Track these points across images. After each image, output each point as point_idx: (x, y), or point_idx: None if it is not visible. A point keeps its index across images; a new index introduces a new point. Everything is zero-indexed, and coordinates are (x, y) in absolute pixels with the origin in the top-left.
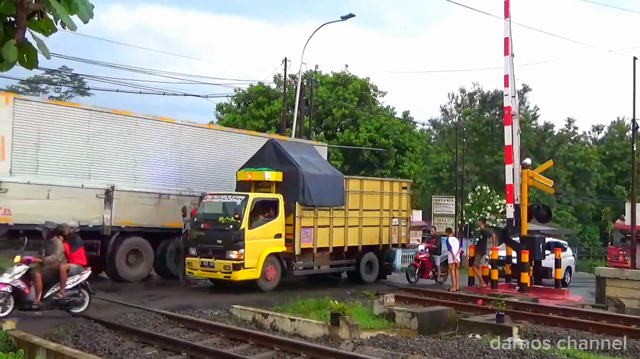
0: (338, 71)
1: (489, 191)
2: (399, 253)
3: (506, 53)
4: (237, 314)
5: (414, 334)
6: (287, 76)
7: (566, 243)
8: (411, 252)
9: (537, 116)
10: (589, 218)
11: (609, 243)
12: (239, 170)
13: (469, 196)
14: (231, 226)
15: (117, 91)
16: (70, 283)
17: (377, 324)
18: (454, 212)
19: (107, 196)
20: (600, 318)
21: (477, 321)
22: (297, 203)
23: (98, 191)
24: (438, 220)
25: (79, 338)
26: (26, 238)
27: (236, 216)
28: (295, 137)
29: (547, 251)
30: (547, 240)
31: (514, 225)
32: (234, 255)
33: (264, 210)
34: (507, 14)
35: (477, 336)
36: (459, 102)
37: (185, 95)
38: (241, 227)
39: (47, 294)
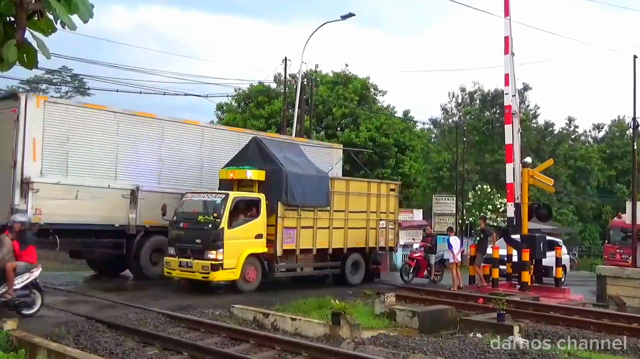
0: (338, 70)
1: (489, 190)
2: (400, 252)
3: (506, 52)
4: (238, 314)
5: (415, 333)
6: (287, 75)
7: (561, 241)
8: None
9: (538, 115)
10: (589, 216)
11: (606, 241)
12: (222, 168)
13: (470, 195)
14: (210, 226)
15: (117, 91)
16: (19, 282)
17: (378, 324)
18: (454, 211)
19: (132, 196)
20: (601, 316)
21: (478, 320)
22: (279, 203)
23: (124, 192)
24: (438, 219)
25: (80, 338)
26: (57, 237)
27: (215, 215)
28: (295, 136)
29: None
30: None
31: (514, 223)
32: (212, 255)
33: (246, 210)
34: (507, 13)
35: (478, 335)
36: (459, 101)
37: (185, 94)
38: (220, 227)
39: None
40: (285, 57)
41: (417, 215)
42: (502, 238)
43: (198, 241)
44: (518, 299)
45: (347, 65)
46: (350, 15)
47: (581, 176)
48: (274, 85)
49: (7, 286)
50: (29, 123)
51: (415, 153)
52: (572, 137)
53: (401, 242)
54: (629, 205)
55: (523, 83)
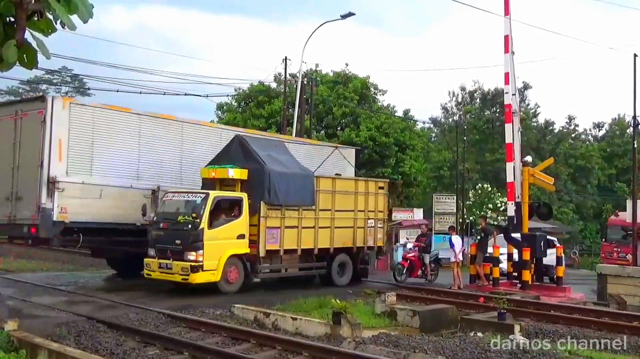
0: (338, 70)
1: (489, 189)
2: (400, 251)
3: (506, 51)
4: (238, 314)
5: (415, 332)
6: (288, 75)
7: (556, 239)
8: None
9: (538, 113)
10: (590, 215)
11: (603, 240)
12: (204, 167)
13: (470, 194)
14: (190, 226)
15: (117, 91)
16: None
17: (378, 323)
18: (455, 210)
19: (153, 196)
20: (602, 315)
21: (479, 319)
22: (262, 202)
23: (145, 192)
24: (439, 218)
25: (80, 338)
26: (81, 235)
27: (194, 215)
28: (295, 135)
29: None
30: None
31: (515, 222)
32: (192, 256)
33: (228, 210)
34: (507, 12)
35: (479, 334)
36: (460, 100)
37: (185, 94)
38: (200, 227)
39: None
40: (286, 57)
41: (418, 214)
42: (501, 234)
43: (178, 242)
44: (519, 298)
45: (347, 64)
46: (350, 14)
47: (581, 175)
48: (274, 85)
49: None
50: (55, 125)
51: (416, 152)
52: (573, 135)
53: (401, 241)
54: (629, 203)
55: (523, 82)
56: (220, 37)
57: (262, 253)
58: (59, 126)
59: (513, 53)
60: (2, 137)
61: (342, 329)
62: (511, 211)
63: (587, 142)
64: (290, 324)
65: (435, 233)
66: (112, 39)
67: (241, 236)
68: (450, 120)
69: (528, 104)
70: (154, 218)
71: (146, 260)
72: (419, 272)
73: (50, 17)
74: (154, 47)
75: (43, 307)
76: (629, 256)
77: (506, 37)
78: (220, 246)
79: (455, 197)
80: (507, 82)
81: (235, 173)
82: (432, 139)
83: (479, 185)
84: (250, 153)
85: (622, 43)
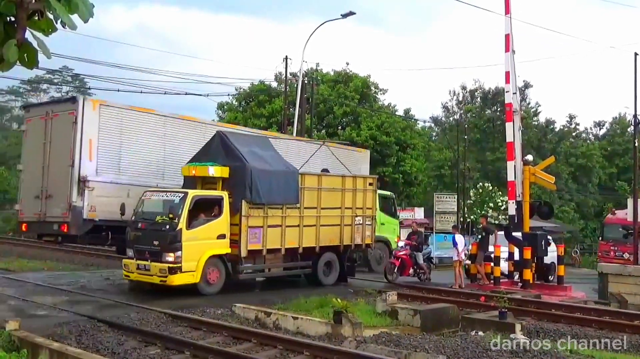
0: (339, 69)
1: (490, 188)
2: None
3: (507, 50)
4: (239, 313)
5: (416, 331)
6: (288, 74)
7: (550, 238)
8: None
9: (539, 112)
10: (590, 214)
11: (600, 238)
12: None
13: (471, 194)
14: (168, 227)
15: (118, 91)
16: None
17: (379, 322)
18: (455, 209)
19: None
20: (602, 314)
21: (480, 318)
22: (243, 201)
23: None
24: (440, 217)
25: (82, 338)
26: (109, 233)
27: (170, 215)
28: (296, 135)
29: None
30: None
31: (516, 221)
32: (170, 257)
33: (209, 209)
34: (507, 11)
35: (480, 333)
36: (460, 99)
37: (186, 94)
38: (178, 227)
39: None
40: (286, 56)
41: (419, 213)
42: (501, 232)
43: (156, 242)
44: (520, 297)
45: (347, 63)
46: (351, 13)
47: (582, 173)
48: (274, 84)
49: None
50: (86, 125)
51: (417, 151)
52: (573, 134)
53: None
54: (630, 202)
55: (524, 81)
56: (220, 36)
57: (243, 253)
58: (89, 127)
59: (514, 52)
60: (32, 137)
61: (343, 329)
62: (512, 210)
63: (588, 141)
64: (291, 324)
65: (436, 233)
66: (112, 38)
67: (222, 236)
68: (451, 119)
69: (529, 103)
70: (133, 218)
71: (124, 261)
72: (411, 271)
73: (51, 16)
74: (155, 46)
75: (44, 307)
76: (626, 255)
77: (507, 36)
78: (200, 247)
79: (456, 196)
80: (507, 81)
81: (215, 171)
82: (433, 138)
83: (480, 184)
84: (231, 150)
85: (623, 42)
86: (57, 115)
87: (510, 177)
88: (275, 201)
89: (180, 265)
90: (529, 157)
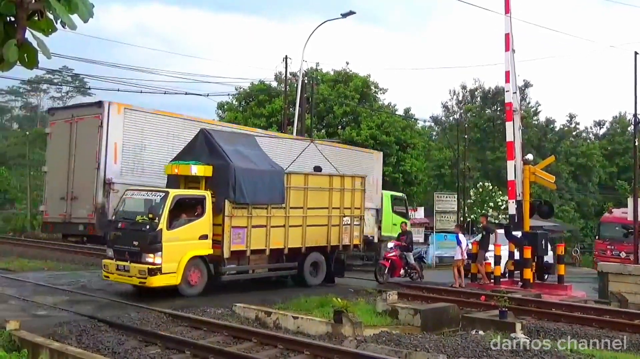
0: (339, 68)
1: (490, 187)
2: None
3: (507, 49)
4: (240, 313)
5: (417, 331)
6: (288, 74)
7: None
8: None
9: (539, 112)
10: (591, 213)
11: (596, 237)
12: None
13: (471, 193)
14: (148, 227)
15: (118, 90)
16: None
17: (380, 322)
18: (456, 209)
19: None
20: (603, 313)
21: (480, 317)
22: (226, 200)
23: None
24: (440, 216)
25: (82, 338)
26: None
27: (150, 215)
28: (296, 134)
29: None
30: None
31: (516, 221)
32: (149, 258)
33: (191, 209)
34: (507, 10)
35: (481, 332)
36: (460, 98)
37: (186, 94)
38: (158, 227)
39: None
40: (286, 56)
41: (419, 213)
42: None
43: (135, 243)
44: (520, 296)
45: (347, 63)
46: (351, 13)
47: (582, 173)
48: (274, 84)
49: None
50: (111, 129)
51: (417, 151)
52: (574, 133)
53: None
54: (630, 201)
55: (524, 81)
56: (220, 36)
57: (226, 254)
58: (114, 130)
59: (514, 51)
60: (57, 140)
61: (344, 328)
62: (512, 209)
63: (588, 140)
64: (292, 323)
65: (436, 232)
66: (112, 38)
67: (204, 237)
68: (451, 118)
69: (529, 102)
70: (113, 218)
71: (104, 261)
72: (402, 271)
73: (51, 16)
74: (154, 46)
75: (45, 306)
76: (623, 254)
77: (507, 35)
78: (181, 248)
79: (456, 196)
80: (507, 80)
81: (198, 169)
82: (433, 138)
83: (480, 183)
84: (215, 148)
85: (623, 41)
86: (83, 119)
87: (510, 177)
88: (259, 201)
89: (160, 266)
90: (529, 156)
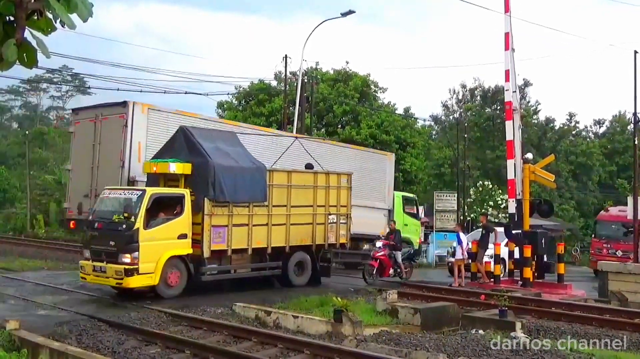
0: (338, 68)
1: (490, 186)
2: (432, 248)
3: (507, 48)
4: (240, 312)
5: (417, 330)
6: (288, 73)
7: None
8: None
9: (538, 111)
10: (590, 212)
11: (592, 236)
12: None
13: (471, 192)
14: (124, 226)
15: (117, 90)
16: None
17: (380, 321)
18: (455, 208)
19: None
20: (603, 312)
21: (480, 316)
22: (206, 199)
23: None
24: (440, 216)
25: (82, 337)
26: None
27: (126, 214)
28: (296, 133)
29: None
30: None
31: (516, 220)
32: (126, 258)
33: (171, 207)
34: (507, 9)
35: (480, 331)
36: (460, 97)
37: (186, 93)
38: (135, 227)
39: None
40: (286, 55)
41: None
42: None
43: (112, 243)
44: (520, 295)
45: (347, 62)
46: (350, 12)
47: (582, 171)
48: (274, 83)
49: None
50: (135, 128)
51: (417, 150)
52: (573, 132)
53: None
54: (630, 200)
55: (524, 79)
56: (220, 35)
57: (206, 254)
58: (138, 130)
59: (513, 50)
60: (81, 139)
61: (344, 327)
62: (512, 208)
63: (588, 139)
64: (292, 323)
65: (436, 231)
66: (112, 37)
67: (183, 236)
68: (451, 117)
69: (528, 101)
70: (90, 217)
71: (81, 262)
72: (391, 271)
73: (50, 16)
74: (154, 45)
75: (44, 306)
76: (619, 252)
77: (506, 35)
78: (159, 247)
79: (456, 195)
80: (507, 79)
81: (177, 167)
82: (433, 137)
83: (480, 182)
84: (194, 145)
85: (623, 40)
86: (107, 118)
87: (510, 175)
88: (241, 199)
89: (137, 266)
90: (529, 155)
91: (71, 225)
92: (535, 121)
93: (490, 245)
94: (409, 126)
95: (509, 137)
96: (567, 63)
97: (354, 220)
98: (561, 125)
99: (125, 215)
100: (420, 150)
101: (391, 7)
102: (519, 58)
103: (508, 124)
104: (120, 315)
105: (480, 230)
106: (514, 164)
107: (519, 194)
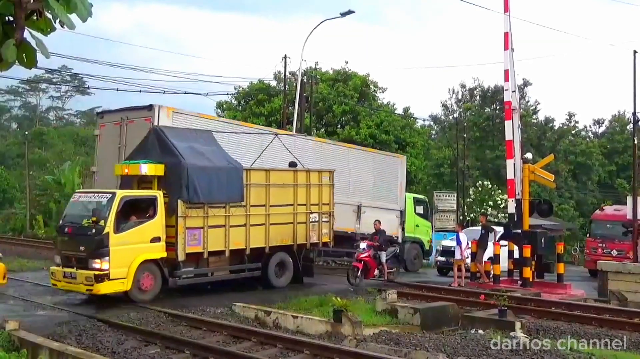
0: (338, 67)
1: (490, 186)
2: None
3: (506, 48)
4: (239, 312)
5: (416, 330)
6: (287, 73)
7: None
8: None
9: (538, 110)
10: (590, 212)
11: (587, 235)
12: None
13: (471, 192)
14: (93, 231)
15: (117, 90)
16: None
17: (379, 321)
18: (455, 208)
19: None
20: (602, 312)
21: (480, 316)
22: (179, 200)
23: None
24: (440, 215)
25: (82, 337)
26: None
27: (94, 219)
28: (295, 133)
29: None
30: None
31: (515, 219)
32: (96, 264)
33: (144, 210)
34: (506, 9)
35: (480, 331)
36: (460, 97)
37: (185, 93)
38: (105, 231)
39: None
40: (285, 55)
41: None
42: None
43: (82, 248)
44: (519, 295)
45: (347, 62)
46: (350, 12)
47: (582, 171)
48: (274, 83)
49: None
50: None
51: (416, 149)
52: (573, 132)
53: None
54: (629, 199)
55: (523, 79)
56: (219, 35)
57: (181, 257)
58: None
59: (513, 50)
60: (106, 142)
61: (343, 327)
62: (512, 208)
63: (587, 139)
64: (291, 323)
65: (436, 231)
66: (112, 37)
67: (156, 239)
68: (451, 117)
69: (528, 101)
70: (60, 222)
71: (51, 269)
72: (376, 272)
73: (49, 16)
74: (153, 45)
75: (44, 306)
76: (614, 252)
77: (506, 34)
78: (131, 252)
79: (455, 195)
80: (507, 79)
81: (149, 169)
82: (432, 137)
83: (480, 182)
84: (167, 145)
85: (622, 39)
86: (133, 122)
87: (509, 175)
88: (216, 199)
89: (107, 272)
90: (529, 155)
91: None
92: (535, 121)
93: (490, 245)
94: (409, 126)
95: (508, 136)
96: (566, 63)
97: (368, 220)
98: (560, 125)
99: (94, 219)
100: (419, 150)
101: (391, 7)
102: (518, 58)
103: (507, 124)
104: (119, 315)
105: (480, 229)
106: (514, 164)
107: (519, 194)
